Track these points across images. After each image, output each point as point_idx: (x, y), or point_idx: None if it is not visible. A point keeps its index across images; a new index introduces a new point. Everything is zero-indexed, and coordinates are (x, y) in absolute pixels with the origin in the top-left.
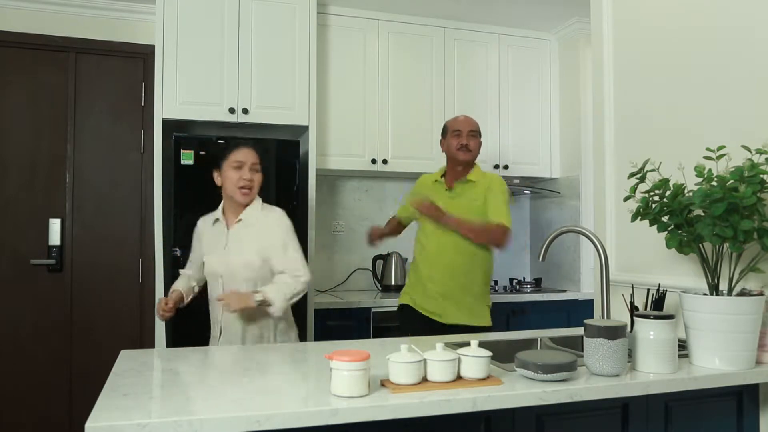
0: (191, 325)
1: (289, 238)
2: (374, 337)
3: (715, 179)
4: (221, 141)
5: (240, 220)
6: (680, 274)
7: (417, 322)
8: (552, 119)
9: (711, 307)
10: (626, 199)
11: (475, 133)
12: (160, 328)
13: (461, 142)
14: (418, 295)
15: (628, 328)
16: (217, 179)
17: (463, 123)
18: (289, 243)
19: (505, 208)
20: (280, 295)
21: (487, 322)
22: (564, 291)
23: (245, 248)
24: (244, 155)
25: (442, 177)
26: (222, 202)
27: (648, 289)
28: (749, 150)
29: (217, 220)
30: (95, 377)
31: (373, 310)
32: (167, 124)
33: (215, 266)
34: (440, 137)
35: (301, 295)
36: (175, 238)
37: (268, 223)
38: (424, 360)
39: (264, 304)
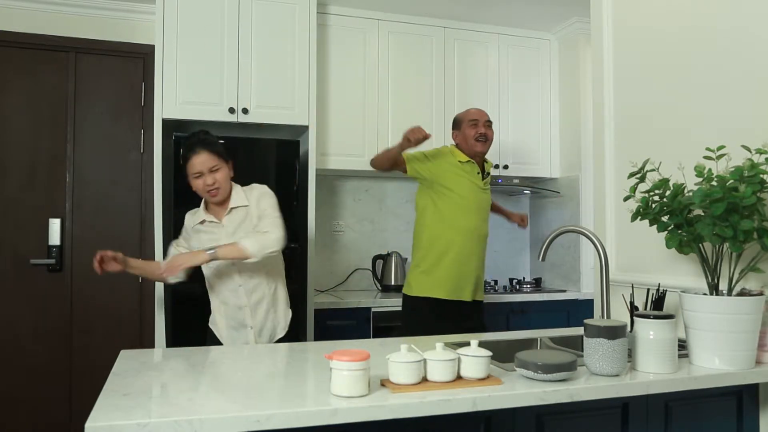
0: (191, 325)
1: (270, 208)
2: (374, 337)
3: (715, 179)
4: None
5: (231, 209)
6: (680, 274)
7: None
8: (552, 119)
9: (711, 307)
10: (626, 199)
11: (490, 123)
12: (160, 328)
13: (479, 131)
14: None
15: (628, 328)
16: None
17: (478, 113)
18: (267, 212)
19: None
20: (250, 241)
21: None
22: (564, 291)
23: (247, 227)
24: (200, 165)
25: (468, 161)
26: (203, 200)
27: (648, 289)
28: (749, 150)
29: (203, 221)
30: (95, 377)
31: (373, 310)
32: (167, 123)
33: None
34: (452, 130)
35: (272, 249)
36: (175, 237)
37: (253, 201)
38: (424, 360)
39: (216, 257)
